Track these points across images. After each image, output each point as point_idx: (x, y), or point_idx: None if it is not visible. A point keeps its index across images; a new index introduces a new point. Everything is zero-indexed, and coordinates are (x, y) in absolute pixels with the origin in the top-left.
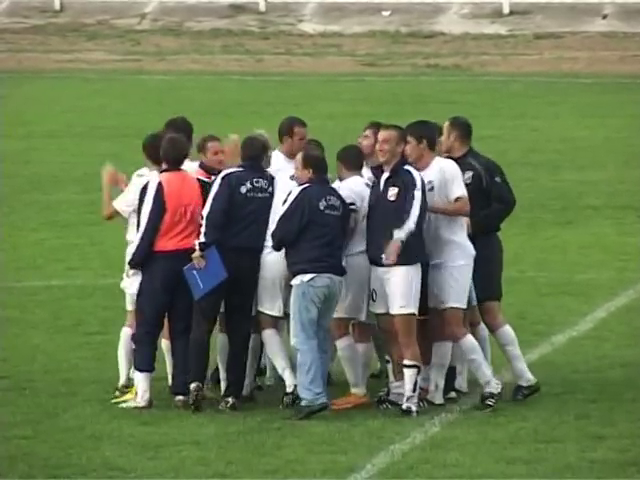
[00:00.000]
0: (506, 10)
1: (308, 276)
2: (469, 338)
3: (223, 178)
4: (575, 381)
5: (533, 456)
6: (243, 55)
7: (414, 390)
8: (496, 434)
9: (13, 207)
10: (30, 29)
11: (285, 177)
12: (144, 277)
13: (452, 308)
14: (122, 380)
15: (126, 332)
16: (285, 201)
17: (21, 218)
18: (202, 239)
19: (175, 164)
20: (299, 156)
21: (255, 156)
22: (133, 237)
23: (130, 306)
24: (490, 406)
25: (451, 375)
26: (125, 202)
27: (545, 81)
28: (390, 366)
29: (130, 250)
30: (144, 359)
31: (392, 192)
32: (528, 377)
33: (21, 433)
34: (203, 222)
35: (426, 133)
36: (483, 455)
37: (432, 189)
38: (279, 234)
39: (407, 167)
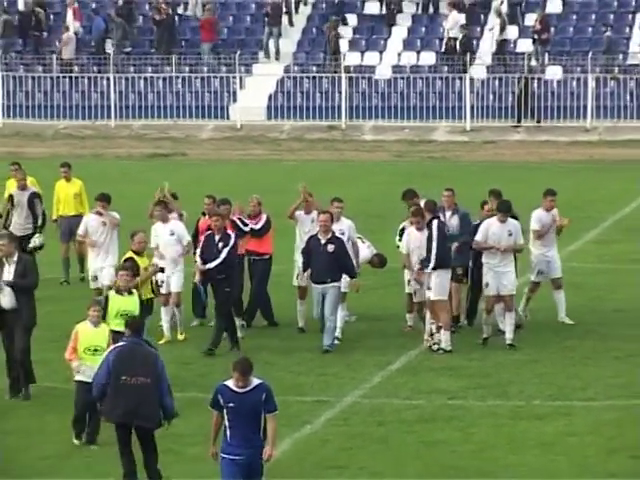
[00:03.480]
0: (468, 129)
1: None
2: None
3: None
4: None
5: (466, 364)
6: (334, 152)
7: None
8: (459, 351)
9: None
10: (225, 138)
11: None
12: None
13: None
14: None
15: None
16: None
17: None
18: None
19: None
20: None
21: None
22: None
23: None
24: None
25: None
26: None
27: (488, 166)
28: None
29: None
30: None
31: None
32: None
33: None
34: None
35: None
36: (452, 358)
37: (511, 235)
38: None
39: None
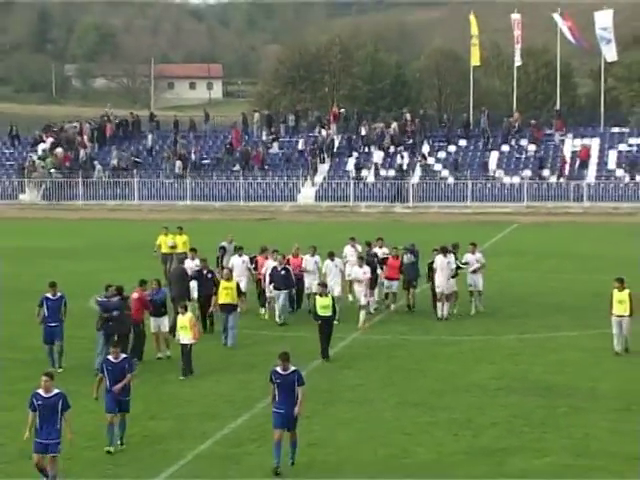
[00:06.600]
0: (411, 206)
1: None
2: None
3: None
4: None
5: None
6: (346, 218)
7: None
8: (412, 315)
9: None
10: (295, 211)
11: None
12: None
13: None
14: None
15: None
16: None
17: None
18: None
19: None
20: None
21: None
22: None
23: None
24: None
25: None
26: None
27: (421, 226)
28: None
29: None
30: None
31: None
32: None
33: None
34: None
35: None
36: (406, 316)
37: (449, 263)
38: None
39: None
